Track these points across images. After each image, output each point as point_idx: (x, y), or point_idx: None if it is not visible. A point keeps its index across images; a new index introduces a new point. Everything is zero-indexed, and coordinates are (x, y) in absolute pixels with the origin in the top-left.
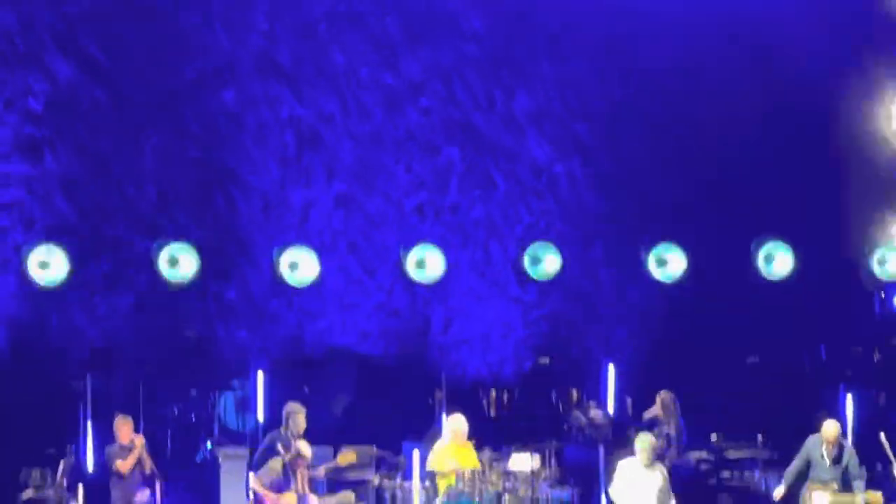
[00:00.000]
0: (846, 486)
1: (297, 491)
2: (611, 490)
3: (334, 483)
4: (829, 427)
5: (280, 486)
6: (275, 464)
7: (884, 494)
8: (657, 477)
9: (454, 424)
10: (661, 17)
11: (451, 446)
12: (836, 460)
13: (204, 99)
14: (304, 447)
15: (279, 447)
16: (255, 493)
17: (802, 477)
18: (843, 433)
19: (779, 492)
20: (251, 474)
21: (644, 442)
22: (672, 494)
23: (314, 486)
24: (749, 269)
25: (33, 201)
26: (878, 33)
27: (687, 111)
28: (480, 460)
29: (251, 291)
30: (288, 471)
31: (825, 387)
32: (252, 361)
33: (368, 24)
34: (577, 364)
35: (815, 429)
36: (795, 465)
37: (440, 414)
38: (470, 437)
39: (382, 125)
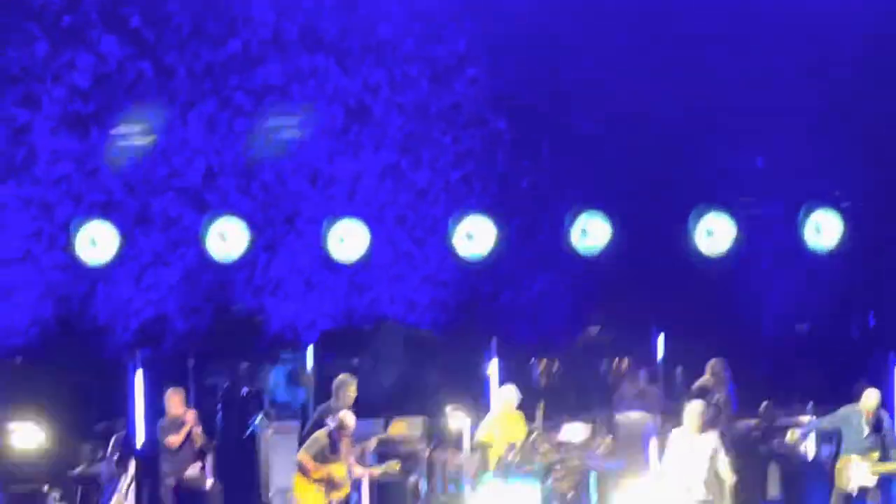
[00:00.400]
0: (884, 456)
1: (342, 461)
2: (663, 462)
3: (385, 455)
4: (871, 396)
5: (326, 458)
6: (321, 435)
7: None
8: (708, 444)
9: (505, 395)
10: None
11: (502, 417)
12: (876, 429)
13: (249, 71)
14: (348, 417)
15: (328, 420)
16: (303, 465)
17: (826, 440)
18: (892, 400)
19: (794, 436)
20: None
21: (692, 410)
22: (725, 459)
23: (364, 457)
24: (797, 238)
25: (81, 177)
26: None
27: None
28: (531, 431)
29: (300, 264)
30: (334, 442)
31: (873, 354)
32: (302, 334)
33: None
34: (627, 333)
35: (860, 397)
36: (823, 424)
37: (489, 385)
38: (521, 408)
39: (429, 96)
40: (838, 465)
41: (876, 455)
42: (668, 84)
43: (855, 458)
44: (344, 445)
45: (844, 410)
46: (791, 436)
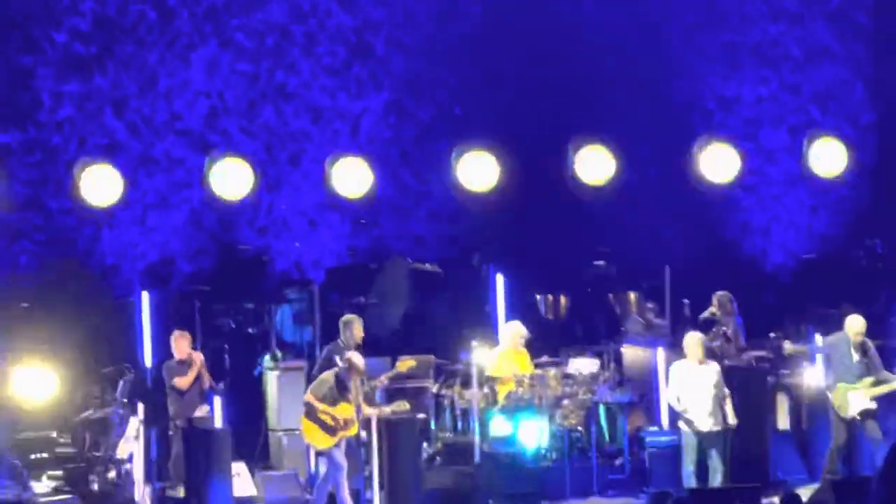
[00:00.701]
0: (877, 382)
1: (351, 402)
2: (667, 396)
3: (393, 393)
4: (857, 321)
5: (335, 398)
6: (327, 376)
7: None
8: (710, 374)
9: (512, 330)
10: None
11: (510, 352)
12: (865, 354)
13: (250, 11)
14: (356, 358)
15: (336, 359)
16: (310, 406)
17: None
18: None
19: (788, 346)
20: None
21: (691, 340)
22: (727, 392)
23: (373, 396)
24: (800, 165)
25: (84, 119)
26: None
27: None
28: (538, 365)
29: (304, 203)
30: (342, 382)
31: (881, 281)
32: (307, 273)
33: None
34: (633, 267)
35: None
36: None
37: (497, 320)
38: (528, 343)
39: (432, 33)
40: (833, 395)
41: (868, 380)
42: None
43: (848, 386)
44: (353, 385)
45: (832, 338)
46: (788, 347)
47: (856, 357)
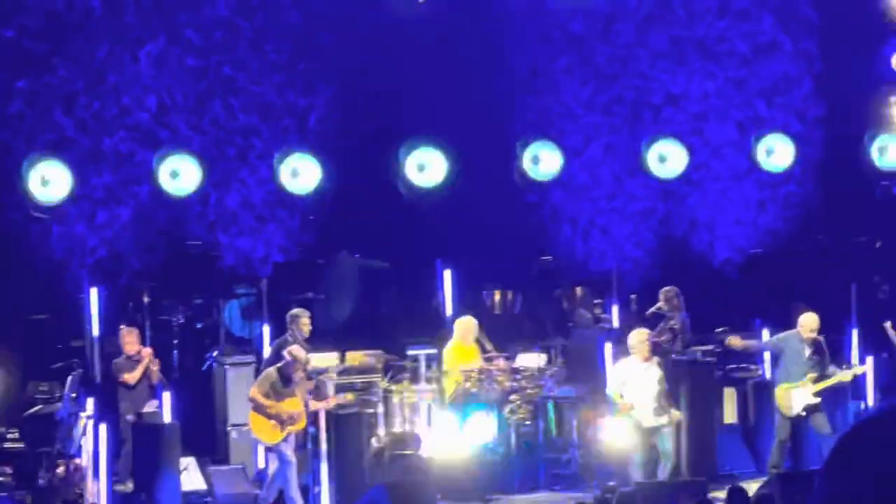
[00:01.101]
0: (820, 377)
1: (297, 396)
2: (608, 390)
3: (341, 388)
4: (811, 318)
5: (280, 393)
6: (271, 371)
7: (884, 380)
8: (655, 371)
9: (462, 325)
10: None
11: (459, 347)
12: (817, 352)
13: (199, 6)
14: (298, 350)
15: (284, 353)
16: (255, 402)
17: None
18: (851, 321)
19: (736, 340)
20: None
21: (636, 338)
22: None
23: (320, 390)
24: (747, 160)
25: (33, 115)
26: None
27: None
28: (486, 360)
29: (253, 198)
30: (286, 376)
31: (829, 277)
32: (256, 268)
33: None
34: (580, 262)
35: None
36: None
37: (445, 315)
38: (477, 338)
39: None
40: (777, 392)
41: (812, 376)
42: None
43: (791, 385)
44: (297, 378)
45: (784, 334)
46: (731, 340)
47: (807, 354)
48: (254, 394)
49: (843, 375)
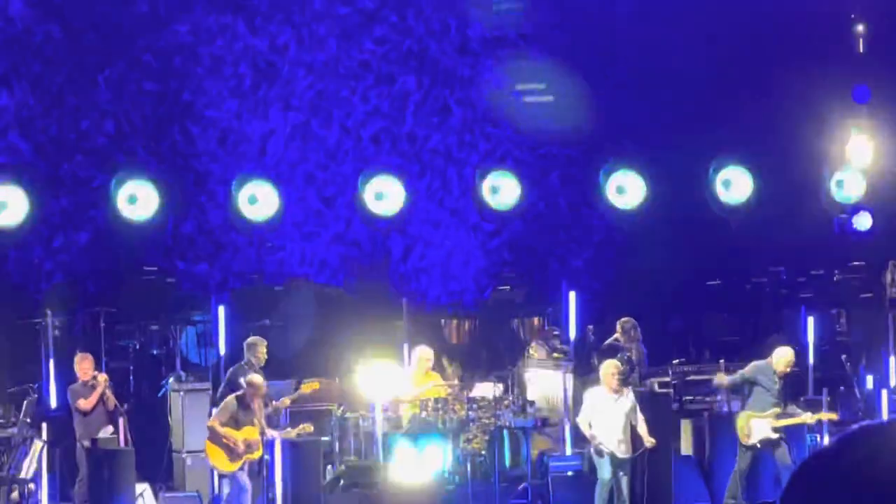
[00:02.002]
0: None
1: (255, 424)
2: (579, 420)
3: (297, 415)
4: (787, 353)
5: (238, 422)
6: (230, 400)
7: (845, 414)
8: (624, 402)
9: (419, 354)
10: None
11: (416, 376)
12: (786, 385)
13: (158, 32)
14: (257, 379)
15: (241, 381)
16: (213, 432)
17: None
18: (806, 354)
19: (722, 378)
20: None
21: (608, 368)
22: (642, 417)
23: (276, 417)
24: (708, 194)
25: None
26: None
27: (642, 34)
28: (443, 389)
29: (210, 224)
30: (244, 404)
31: (786, 309)
32: (212, 295)
33: None
34: (538, 292)
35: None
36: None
37: (402, 343)
38: (434, 368)
39: (337, 55)
40: (739, 419)
41: (777, 411)
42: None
43: (752, 414)
44: (255, 407)
45: (757, 365)
46: (719, 377)
47: (777, 387)
48: (213, 423)
49: (807, 418)
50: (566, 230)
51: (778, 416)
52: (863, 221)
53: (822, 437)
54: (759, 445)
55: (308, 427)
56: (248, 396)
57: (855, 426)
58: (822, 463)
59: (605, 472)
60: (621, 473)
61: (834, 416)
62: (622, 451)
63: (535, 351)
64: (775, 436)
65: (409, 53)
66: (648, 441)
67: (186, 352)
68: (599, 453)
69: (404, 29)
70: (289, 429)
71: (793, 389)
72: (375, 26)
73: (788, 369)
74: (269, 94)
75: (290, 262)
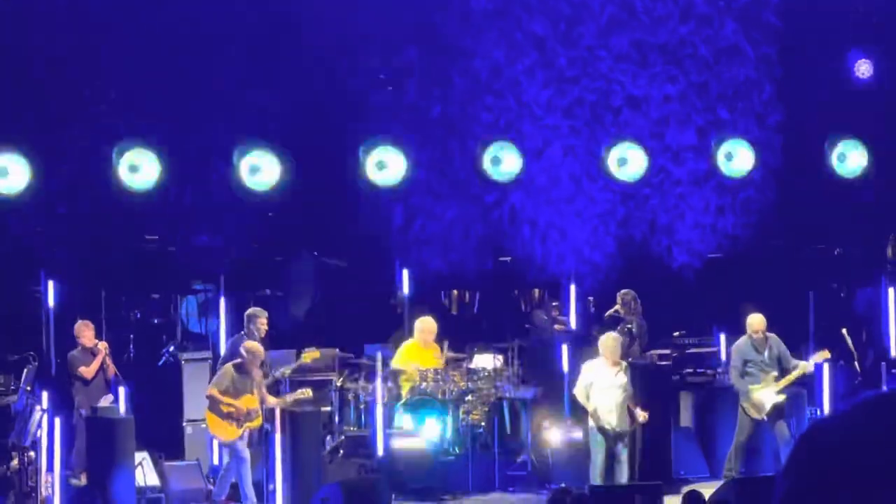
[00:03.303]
0: (782, 373)
1: (254, 393)
2: (575, 391)
3: (297, 385)
4: (756, 319)
5: (237, 390)
6: (228, 368)
7: (844, 388)
8: (623, 375)
9: (422, 325)
10: None
11: (416, 346)
12: (772, 348)
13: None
14: (254, 346)
15: (241, 351)
16: (212, 400)
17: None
18: (807, 329)
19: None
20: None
21: (609, 340)
22: (631, 391)
23: (277, 388)
24: (710, 165)
25: None
26: None
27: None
28: (444, 360)
29: (212, 194)
30: (243, 373)
31: (787, 282)
32: (213, 265)
33: None
34: (538, 263)
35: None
36: (735, 373)
37: (402, 315)
38: (438, 339)
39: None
40: (745, 403)
41: (773, 374)
42: None
43: (755, 388)
44: (255, 376)
45: (736, 344)
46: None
47: (764, 354)
48: (211, 391)
49: (805, 366)
50: (567, 202)
51: (777, 379)
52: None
53: (821, 411)
54: (771, 414)
55: (307, 392)
56: (246, 364)
57: (858, 397)
58: (823, 430)
59: (599, 448)
60: (620, 447)
61: (827, 354)
62: (619, 425)
63: (536, 322)
64: (782, 398)
65: (411, 23)
66: (641, 415)
67: (187, 321)
68: (599, 426)
69: None
70: (287, 395)
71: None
72: None
73: (763, 328)
74: (274, 62)
75: (291, 232)
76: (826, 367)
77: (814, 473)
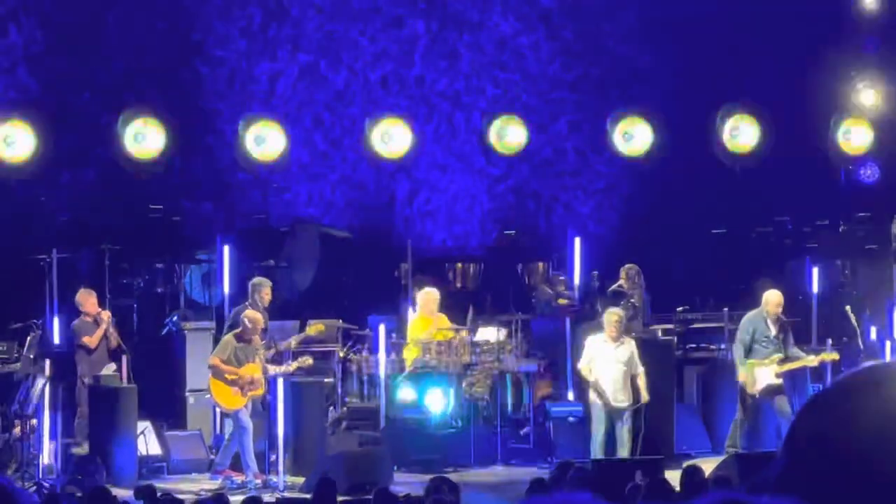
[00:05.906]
0: (785, 358)
1: (257, 362)
2: (578, 365)
3: (300, 355)
4: (775, 296)
5: (239, 359)
6: (229, 337)
7: (848, 365)
8: (625, 350)
9: (426, 297)
10: None
11: (421, 319)
12: (783, 329)
13: None
14: (255, 315)
15: (243, 320)
16: (215, 369)
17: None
18: (812, 302)
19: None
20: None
21: (612, 316)
22: (641, 365)
23: (280, 357)
24: (714, 142)
25: None
26: None
27: None
28: (448, 332)
29: (216, 164)
30: (245, 341)
31: (791, 258)
32: (217, 234)
33: None
34: (543, 237)
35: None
36: (742, 347)
37: (406, 287)
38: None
39: None
40: (741, 370)
41: (777, 356)
42: None
43: (756, 362)
44: (256, 344)
45: (748, 316)
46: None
47: (773, 332)
48: (213, 361)
49: (810, 360)
50: (572, 176)
51: (780, 362)
52: (870, 174)
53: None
54: (762, 394)
55: (308, 360)
56: (248, 332)
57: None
58: (825, 400)
59: (600, 422)
60: (620, 424)
61: (836, 357)
62: (620, 400)
63: (540, 296)
64: (778, 381)
65: None
66: (644, 397)
67: (191, 291)
68: (600, 396)
69: None
70: (290, 362)
71: (796, 339)
72: None
73: (780, 310)
74: (278, 34)
75: (295, 203)
76: (829, 343)
77: (811, 450)
